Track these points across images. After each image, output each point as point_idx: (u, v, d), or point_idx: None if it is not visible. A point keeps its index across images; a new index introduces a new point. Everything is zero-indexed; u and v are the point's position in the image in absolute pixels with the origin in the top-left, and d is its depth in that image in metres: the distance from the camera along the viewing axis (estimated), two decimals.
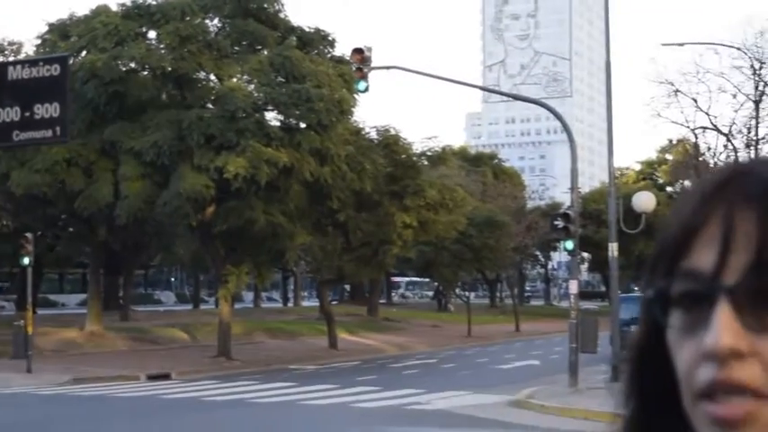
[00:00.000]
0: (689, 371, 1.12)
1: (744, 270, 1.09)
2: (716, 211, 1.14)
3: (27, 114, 11.53)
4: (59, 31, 41.82)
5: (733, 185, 1.15)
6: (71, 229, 48.93)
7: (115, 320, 50.43)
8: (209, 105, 40.62)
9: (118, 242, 46.66)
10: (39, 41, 41.99)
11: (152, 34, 41.83)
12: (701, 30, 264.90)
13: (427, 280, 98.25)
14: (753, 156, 50.25)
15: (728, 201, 1.13)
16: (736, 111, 53.19)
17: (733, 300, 1.09)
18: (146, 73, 40.73)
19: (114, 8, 42.12)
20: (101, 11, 42.00)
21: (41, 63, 12.19)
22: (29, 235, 34.56)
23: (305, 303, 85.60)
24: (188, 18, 41.11)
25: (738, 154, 51.46)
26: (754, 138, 52.22)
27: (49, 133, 11.83)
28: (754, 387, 1.07)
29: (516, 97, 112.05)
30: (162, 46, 40.92)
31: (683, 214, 1.18)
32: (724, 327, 1.08)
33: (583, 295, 29.76)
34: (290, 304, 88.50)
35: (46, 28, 42.22)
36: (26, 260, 33.96)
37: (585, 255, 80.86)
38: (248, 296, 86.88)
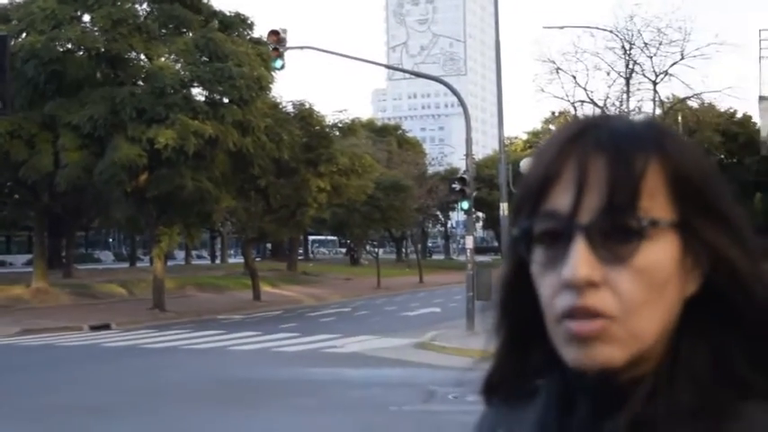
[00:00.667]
0: (551, 298, 1.16)
1: (596, 211, 1.13)
2: (571, 159, 1.17)
3: None
4: (0, 16, 41.09)
5: (586, 136, 1.18)
6: (16, 196, 48.26)
7: (59, 278, 49.81)
8: (140, 83, 40.20)
9: (59, 207, 46.09)
10: None
11: (86, 18, 41.21)
12: (580, 14, 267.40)
13: (334, 238, 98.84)
14: None
15: (582, 149, 1.16)
16: (609, 86, 54.01)
17: (587, 237, 1.13)
18: (81, 53, 40.15)
19: None
20: None
21: None
22: None
23: (231, 260, 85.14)
24: (119, 3, 40.64)
25: None
26: (626, 110, 52.96)
27: None
28: (606, 311, 1.12)
29: (417, 75, 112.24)
30: (96, 29, 40.39)
31: (543, 161, 1.20)
32: (580, 260, 1.12)
33: (478, 250, 29.98)
34: (218, 261, 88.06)
35: None
36: None
37: (480, 214, 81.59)
38: (180, 254, 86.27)
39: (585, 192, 1.15)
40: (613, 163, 1.14)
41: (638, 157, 1.15)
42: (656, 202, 1.14)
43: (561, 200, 1.16)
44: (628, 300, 1.13)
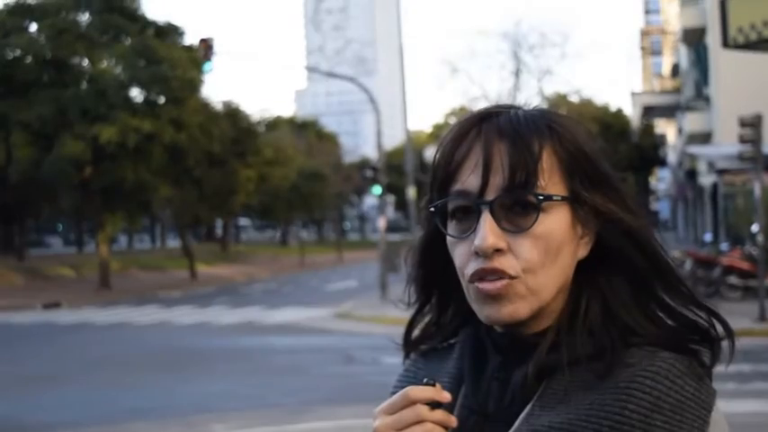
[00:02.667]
0: (464, 264, 1.23)
1: (500, 189, 1.20)
2: (476, 145, 1.23)
3: None
4: None
5: (487, 123, 1.24)
6: None
7: (13, 262, 48.79)
8: (84, 85, 39.68)
9: (11, 197, 45.14)
10: None
11: (33, 27, 40.55)
12: (475, 19, 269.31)
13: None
14: None
15: (485, 136, 1.23)
16: (501, 84, 54.46)
17: (493, 211, 1.20)
18: (30, 59, 39.55)
19: (0, 6, 40.70)
20: None
21: None
22: None
23: (170, 244, 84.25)
24: (63, 14, 40.13)
25: None
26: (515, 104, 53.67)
27: None
28: (510, 272, 1.20)
29: (332, 75, 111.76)
30: (42, 37, 39.83)
31: (451, 147, 1.26)
32: (488, 231, 1.19)
33: (389, 229, 30.10)
34: (158, 244, 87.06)
35: None
36: None
37: (391, 198, 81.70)
38: (123, 239, 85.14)
39: (491, 173, 1.21)
40: (513, 148, 1.20)
41: (534, 142, 1.21)
42: (550, 180, 1.22)
43: (470, 180, 1.22)
44: (528, 262, 1.20)
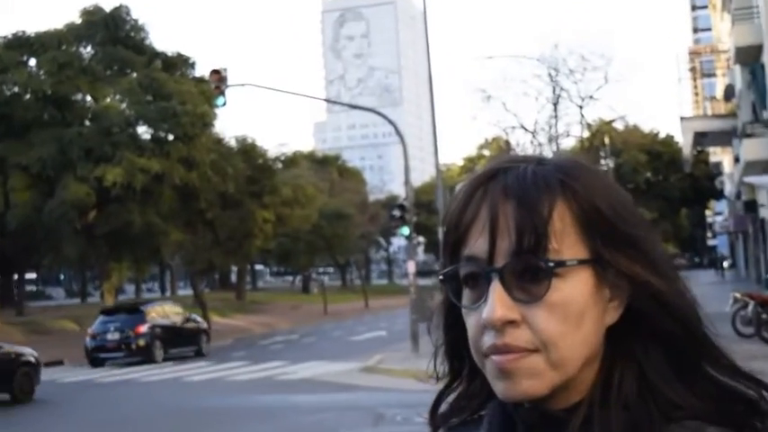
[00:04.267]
0: (477, 337, 1.21)
1: (509, 254, 1.18)
2: (483, 206, 1.22)
3: None
4: None
5: (495, 182, 1.23)
6: None
7: (11, 316, 48.97)
8: (87, 123, 40.06)
9: (10, 246, 45.44)
10: None
11: (32, 62, 41.02)
12: (508, 43, 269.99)
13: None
14: (553, 149, 51.54)
15: (492, 196, 1.21)
16: (538, 112, 54.49)
17: (502, 279, 1.18)
18: (29, 96, 39.94)
19: None
20: None
21: None
22: None
23: (181, 292, 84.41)
24: (64, 47, 40.57)
25: (542, 147, 52.61)
26: (555, 134, 53.51)
27: None
28: (525, 347, 1.17)
29: (355, 107, 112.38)
30: (42, 72, 40.23)
31: (459, 208, 1.25)
32: (497, 302, 1.17)
33: (420, 273, 29.91)
34: (168, 294, 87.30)
35: None
36: None
37: (421, 239, 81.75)
38: (130, 288, 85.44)
39: (497, 237, 1.19)
40: (520, 209, 1.19)
41: (544, 202, 1.19)
42: (564, 242, 1.19)
43: (478, 245, 1.21)
44: (544, 334, 1.17)
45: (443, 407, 1.39)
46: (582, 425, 1.21)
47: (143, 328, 30.18)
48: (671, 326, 1.23)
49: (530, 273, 1.18)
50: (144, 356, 30.01)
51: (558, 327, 1.18)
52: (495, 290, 1.18)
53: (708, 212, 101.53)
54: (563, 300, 1.18)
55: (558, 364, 1.18)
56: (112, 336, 30.23)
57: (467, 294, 1.23)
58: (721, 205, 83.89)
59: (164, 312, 32.34)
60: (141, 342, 30.03)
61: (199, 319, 34.94)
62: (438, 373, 1.38)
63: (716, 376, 1.25)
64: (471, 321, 1.22)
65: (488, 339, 1.19)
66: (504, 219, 1.20)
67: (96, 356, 30.17)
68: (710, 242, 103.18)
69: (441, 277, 1.27)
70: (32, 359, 21.82)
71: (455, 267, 1.24)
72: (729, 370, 1.25)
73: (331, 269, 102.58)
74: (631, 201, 1.29)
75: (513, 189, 1.21)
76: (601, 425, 1.20)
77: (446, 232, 1.27)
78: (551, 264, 1.18)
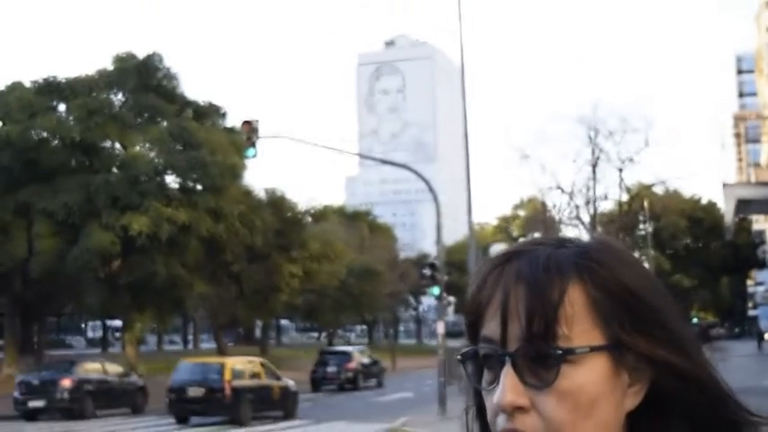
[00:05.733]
0: (492, 418, 1.21)
1: (519, 339, 1.18)
2: (497, 289, 1.22)
3: None
4: None
5: (509, 265, 1.24)
6: None
7: (30, 364, 49.12)
8: (115, 170, 40.32)
9: (32, 293, 45.66)
10: None
11: (62, 107, 41.47)
12: (547, 102, 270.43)
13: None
14: (590, 211, 51.46)
15: (505, 279, 1.22)
16: (576, 173, 54.44)
17: (515, 363, 1.18)
18: (56, 142, 40.26)
19: (28, 84, 41.64)
20: (15, 86, 41.57)
21: None
22: None
23: (203, 346, 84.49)
24: (95, 93, 40.97)
25: (579, 210, 52.54)
26: (592, 196, 53.40)
27: None
28: None
29: (387, 162, 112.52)
30: (71, 118, 40.62)
31: (477, 289, 1.26)
32: (508, 386, 1.18)
33: (449, 334, 29.84)
34: (190, 347, 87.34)
35: None
36: None
37: (451, 299, 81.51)
38: (152, 340, 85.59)
39: (509, 322, 1.20)
40: (529, 294, 1.19)
41: (555, 287, 1.19)
42: (577, 328, 1.19)
43: (492, 327, 1.22)
44: (554, 423, 1.17)
45: None
46: None
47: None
48: (698, 404, 1.21)
49: (540, 358, 1.18)
50: None
51: (568, 415, 1.17)
52: (507, 374, 1.19)
53: (749, 282, 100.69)
54: (574, 388, 1.18)
55: None
56: None
57: (485, 375, 1.24)
58: (763, 275, 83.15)
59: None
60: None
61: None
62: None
63: None
64: (489, 402, 1.23)
65: (501, 422, 1.19)
66: (514, 303, 1.20)
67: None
68: (751, 312, 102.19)
69: (459, 357, 1.28)
70: (294, 388, 30.70)
71: (475, 348, 1.25)
72: None
73: (358, 327, 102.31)
74: (656, 280, 1.28)
75: (525, 273, 1.21)
76: None
77: (465, 313, 1.28)
78: (559, 351, 1.17)
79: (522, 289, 1.20)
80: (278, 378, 30.34)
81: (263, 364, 30.85)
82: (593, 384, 1.18)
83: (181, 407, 27.80)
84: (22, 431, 26.51)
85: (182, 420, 27.88)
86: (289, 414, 29.47)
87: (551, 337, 1.17)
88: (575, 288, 1.20)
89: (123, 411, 32.02)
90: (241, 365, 29.50)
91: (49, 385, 29.87)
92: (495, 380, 1.21)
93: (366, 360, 46.27)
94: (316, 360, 45.03)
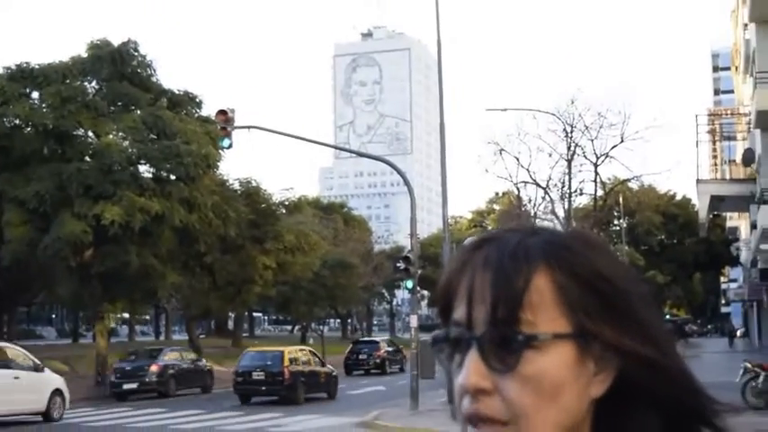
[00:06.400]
0: (458, 400, 1.23)
1: (485, 323, 1.20)
2: (466, 274, 1.25)
3: None
4: None
5: (479, 251, 1.26)
6: None
7: None
8: (88, 159, 40.12)
9: (2, 282, 45.40)
10: None
11: (35, 94, 41.17)
12: (523, 97, 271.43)
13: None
14: (565, 206, 51.60)
15: (474, 265, 1.25)
16: (551, 168, 54.38)
17: (480, 347, 1.20)
18: (29, 129, 40.01)
19: (0, 71, 41.35)
20: None
21: None
22: None
23: (175, 337, 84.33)
24: (68, 80, 40.72)
25: (554, 204, 52.62)
26: (568, 191, 53.47)
27: None
28: (495, 417, 1.19)
29: (363, 155, 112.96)
30: (44, 105, 40.35)
31: (447, 275, 1.29)
32: (472, 369, 1.20)
33: (423, 328, 30.01)
34: (162, 338, 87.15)
35: None
36: None
37: (425, 292, 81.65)
38: (123, 330, 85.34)
39: (473, 307, 1.22)
40: (495, 279, 1.21)
41: (520, 274, 1.21)
42: (543, 315, 1.20)
43: (461, 311, 1.24)
44: (515, 407, 1.18)
45: None
46: None
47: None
48: (665, 392, 1.23)
49: (504, 343, 1.20)
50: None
51: (530, 400, 1.19)
52: (472, 357, 1.21)
53: (722, 279, 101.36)
54: (536, 373, 1.19)
55: None
56: None
57: (456, 357, 1.25)
58: (736, 272, 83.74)
59: None
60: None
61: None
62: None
63: None
64: (456, 384, 1.25)
65: (465, 404, 1.21)
66: (480, 288, 1.22)
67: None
68: (724, 309, 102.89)
69: (432, 339, 1.30)
70: (335, 372, 35.39)
71: (446, 331, 1.26)
72: None
73: (332, 319, 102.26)
74: (630, 267, 1.29)
75: (493, 259, 1.24)
76: None
77: (436, 298, 1.30)
78: (522, 337, 1.19)
79: (489, 274, 1.22)
80: (323, 364, 35.50)
81: (312, 352, 36.37)
82: (557, 371, 1.19)
83: (246, 388, 32.89)
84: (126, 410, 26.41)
85: (245, 399, 32.81)
86: (331, 395, 34.51)
87: (515, 322, 1.19)
88: (542, 275, 1.21)
89: (196, 391, 38.04)
90: (296, 354, 34.56)
91: (141, 370, 36.00)
92: (461, 363, 1.23)
93: (390, 348, 53.67)
94: (349, 348, 53.22)
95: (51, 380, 27.53)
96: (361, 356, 51.49)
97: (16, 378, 25.57)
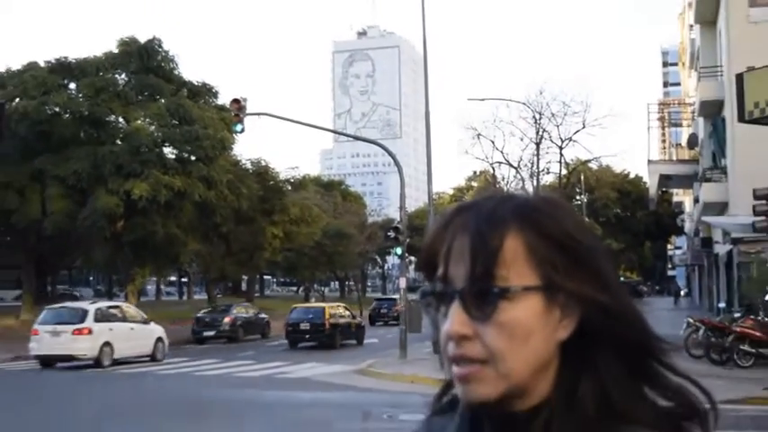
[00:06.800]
0: (443, 346, 1.26)
1: (464, 279, 1.23)
2: (447, 237, 1.28)
3: None
4: None
5: (460, 216, 1.29)
6: (8, 239, 47.36)
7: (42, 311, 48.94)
8: (119, 142, 40.08)
9: (46, 249, 45.38)
10: None
11: (72, 85, 41.12)
12: (499, 87, 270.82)
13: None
14: (534, 184, 51.60)
15: (454, 229, 1.27)
16: (523, 150, 54.43)
17: (461, 299, 1.24)
18: (67, 116, 39.98)
19: (42, 64, 41.25)
20: (31, 66, 41.26)
21: None
22: None
23: (196, 297, 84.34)
24: (101, 73, 40.68)
25: (525, 182, 52.65)
26: (536, 170, 53.51)
27: None
28: (476, 358, 1.23)
29: (359, 138, 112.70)
30: (80, 95, 40.34)
31: (429, 239, 1.32)
32: (455, 318, 1.24)
33: (410, 289, 30.03)
34: (185, 297, 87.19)
35: None
36: None
37: (412, 258, 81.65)
38: (151, 291, 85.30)
39: (456, 264, 1.25)
40: (474, 241, 1.24)
41: (495, 235, 1.24)
42: (515, 270, 1.24)
43: (443, 270, 1.27)
44: (493, 349, 1.22)
45: (438, 396, 1.44)
46: (544, 424, 1.25)
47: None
48: (621, 333, 1.26)
49: (482, 295, 1.23)
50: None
51: (506, 343, 1.23)
52: (455, 308, 1.24)
53: (669, 246, 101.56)
54: (510, 320, 1.23)
55: (505, 374, 1.23)
56: None
57: (441, 309, 1.28)
58: (681, 240, 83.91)
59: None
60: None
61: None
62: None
63: (662, 381, 1.29)
64: (442, 332, 1.27)
65: (450, 348, 1.25)
66: (459, 249, 1.25)
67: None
68: (670, 273, 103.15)
69: (419, 294, 1.34)
70: (363, 323, 38.98)
71: (432, 286, 1.29)
72: (671, 370, 1.29)
73: (331, 282, 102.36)
74: (590, 227, 1.34)
75: (470, 223, 1.26)
76: (560, 424, 1.24)
77: (421, 257, 1.33)
78: (497, 289, 1.23)
79: (468, 237, 1.25)
80: (353, 317, 38.00)
81: (345, 308, 38.39)
82: (527, 318, 1.23)
83: (294, 336, 35.14)
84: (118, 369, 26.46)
85: (293, 344, 35.03)
86: (359, 341, 36.70)
87: (491, 277, 1.22)
88: (514, 235, 1.25)
89: (257, 337, 41.09)
90: (334, 309, 36.64)
91: (217, 321, 39.02)
92: (446, 314, 1.26)
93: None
94: (373, 305, 56.54)
95: (155, 330, 30.05)
96: (382, 311, 54.13)
97: (131, 329, 28.39)
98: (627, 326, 1.27)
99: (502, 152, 55.61)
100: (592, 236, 1.30)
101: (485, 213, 1.27)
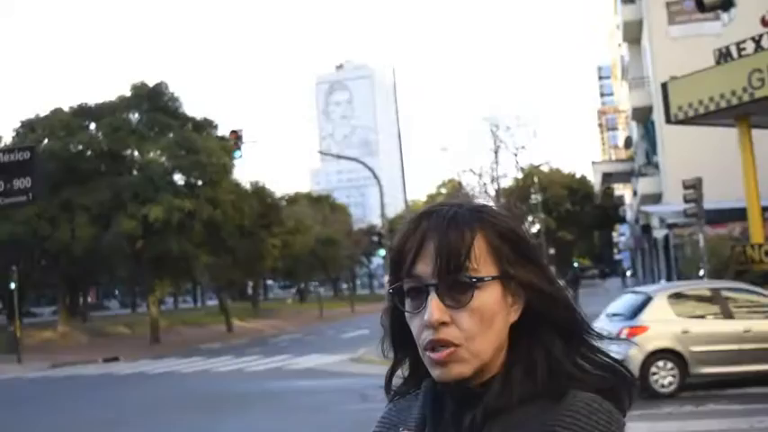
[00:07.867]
0: (419, 335, 1.31)
1: (437, 274, 1.28)
2: (417, 238, 1.32)
3: (8, 186, 11.10)
4: (29, 127, 40.71)
5: (425, 221, 1.33)
6: (43, 262, 47.04)
7: (78, 323, 48.63)
8: (135, 172, 39.98)
9: (76, 269, 45.11)
10: (14, 134, 40.70)
11: (92, 126, 41.04)
12: (462, 105, 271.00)
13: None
14: (495, 187, 51.79)
15: (422, 231, 1.32)
16: (484, 159, 54.61)
17: (437, 291, 1.28)
18: (90, 153, 39.96)
19: (66, 109, 41.26)
20: (57, 111, 41.23)
21: (17, 150, 11.72)
22: (14, 267, 33.12)
23: (209, 302, 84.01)
24: (117, 114, 40.63)
25: (486, 186, 52.87)
26: (496, 176, 53.73)
27: (23, 198, 11.41)
28: (454, 341, 1.28)
29: (342, 157, 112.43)
30: (100, 133, 40.29)
31: (399, 240, 1.35)
32: (434, 308, 1.27)
33: None
34: (199, 304, 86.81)
35: (19, 124, 41.10)
36: (12, 285, 32.62)
37: None
38: (169, 300, 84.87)
39: (421, 263, 1.30)
40: (443, 240, 1.29)
41: (465, 234, 1.30)
42: (483, 263, 1.30)
43: (417, 267, 1.31)
44: (468, 332, 1.28)
45: (394, 381, 1.50)
46: (497, 393, 1.30)
47: None
48: (557, 314, 1.33)
49: (457, 286, 1.28)
50: None
51: (477, 326, 1.28)
52: (433, 299, 1.28)
53: (614, 234, 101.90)
54: (480, 306, 1.29)
55: (477, 354, 1.29)
56: None
57: (408, 303, 1.32)
58: (624, 228, 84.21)
59: None
60: None
61: None
62: (386, 354, 1.48)
63: (592, 352, 1.35)
64: (415, 323, 1.32)
65: (426, 336, 1.29)
66: (430, 248, 1.30)
67: None
68: (617, 257, 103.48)
69: (390, 290, 1.37)
70: None
71: (401, 283, 1.33)
72: (598, 340, 1.36)
73: (325, 282, 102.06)
74: (527, 230, 1.38)
75: (440, 226, 1.31)
76: (507, 395, 1.30)
77: (391, 256, 1.37)
78: (474, 279, 1.28)
79: (438, 237, 1.30)
80: None
81: None
82: (492, 304, 1.29)
83: None
84: (145, 370, 26.25)
85: None
86: None
87: (465, 270, 1.28)
88: (479, 235, 1.31)
89: None
90: None
91: None
92: (419, 306, 1.30)
93: None
94: None
95: None
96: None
97: None
98: (562, 308, 1.33)
99: (466, 162, 55.80)
100: (532, 236, 1.37)
101: (450, 216, 1.32)
